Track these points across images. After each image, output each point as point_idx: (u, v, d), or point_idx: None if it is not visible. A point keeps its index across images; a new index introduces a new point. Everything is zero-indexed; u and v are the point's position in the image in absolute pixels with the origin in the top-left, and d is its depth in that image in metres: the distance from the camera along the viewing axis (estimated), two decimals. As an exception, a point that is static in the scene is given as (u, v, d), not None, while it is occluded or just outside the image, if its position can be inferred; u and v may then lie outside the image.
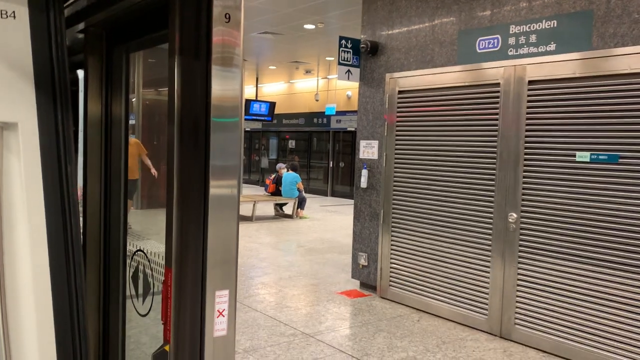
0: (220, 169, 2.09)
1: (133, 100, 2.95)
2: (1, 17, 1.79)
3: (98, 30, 2.81)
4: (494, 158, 5.01)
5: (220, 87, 2.14)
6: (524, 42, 4.81)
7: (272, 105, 16.85)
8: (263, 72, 19.10)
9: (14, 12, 1.81)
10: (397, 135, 5.98)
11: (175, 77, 2.13)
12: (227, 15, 2.28)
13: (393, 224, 6.00)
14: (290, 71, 18.33)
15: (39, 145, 1.85)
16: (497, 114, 4.98)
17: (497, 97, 4.98)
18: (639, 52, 4.03)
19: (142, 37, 2.80)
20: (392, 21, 6.14)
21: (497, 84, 4.98)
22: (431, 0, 5.69)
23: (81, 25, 2.64)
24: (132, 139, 7.81)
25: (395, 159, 5.99)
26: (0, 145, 1.78)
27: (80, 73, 3.05)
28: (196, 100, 2.13)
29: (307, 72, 17.93)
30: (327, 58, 15.04)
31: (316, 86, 19.03)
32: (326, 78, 18.53)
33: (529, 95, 4.73)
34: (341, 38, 6.58)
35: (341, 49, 6.60)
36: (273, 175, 13.80)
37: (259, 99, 20.53)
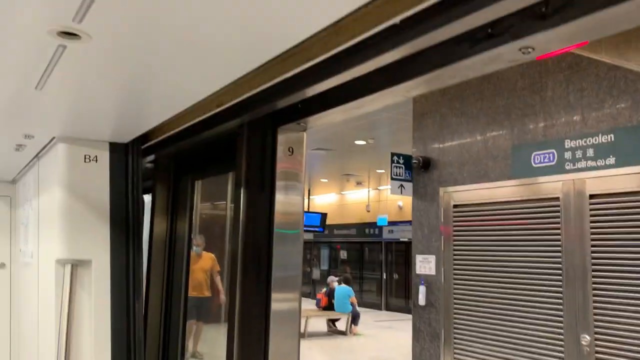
0: (281, 280, 2.09)
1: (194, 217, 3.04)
2: (85, 161, 1.95)
3: (167, 161, 2.98)
4: (559, 275, 4.78)
5: (282, 209, 2.20)
6: (581, 156, 4.77)
7: (323, 216, 17.01)
8: (315, 185, 19.54)
9: (96, 156, 1.97)
10: (454, 250, 5.85)
11: (241, 206, 2.21)
12: (291, 149, 2.38)
13: (455, 346, 5.69)
14: (341, 183, 18.67)
15: (110, 282, 1.90)
16: (558, 229, 4.83)
17: (558, 211, 4.86)
18: None
19: (207, 167, 2.95)
20: (443, 137, 6.25)
21: (557, 199, 4.88)
22: (481, 116, 5.80)
23: (151, 157, 2.81)
24: (207, 254, 7.82)
25: (454, 274, 5.81)
26: (74, 280, 1.84)
27: (147, 197, 3.20)
28: (259, 227, 2.18)
29: (358, 183, 18.22)
30: (378, 170, 15.31)
31: (367, 197, 19.20)
32: (377, 189, 18.73)
33: (591, 210, 4.59)
34: (393, 154, 6.72)
35: (393, 164, 6.71)
36: (325, 289, 13.60)
37: (310, 210, 20.82)
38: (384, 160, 13.03)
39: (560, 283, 4.76)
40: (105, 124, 1.69)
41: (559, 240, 4.80)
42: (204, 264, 7.63)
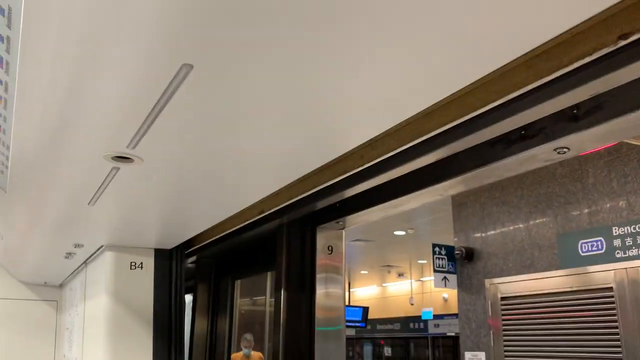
0: None
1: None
2: (131, 268, 2.00)
3: (208, 262, 3.02)
4: (621, 372, 4.45)
5: (323, 306, 2.17)
6: (631, 243, 4.59)
7: (365, 310, 16.57)
8: (355, 277, 19.22)
9: (142, 263, 2.03)
10: (505, 346, 5.55)
11: (282, 306, 2.19)
12: (330, 248, 2.39)
13: None
14: (382, 275, 18.32)
15: None
16: (615, 320, 4.56)
17: (613, 302, 4.61)
18: None
19: (247, 267, 2.97)
20: (485, 226, 6.15)
21: (610, 289, 4.65)
22: (523, 206, 5.71)
23: (193, 258, 2.86)
24: (257, 354, 7.35)
25: (506, 372, 5.48)
26: (117, 390, 1.84)
27: (188, 296, 3.22)
28: (300, 326, 2.14)
29: (400, 275, 17.83)
30: (420, 261, 15.01)
31: (410, 289, 18.69)
32: (420, 280, 18.25)
33: (649, 300, 4.34)
34: (434, 245, 6.61)
35: (435, 256, 6.59)
36: (370, 388, 12.95)
37: (351, 304, 20.33)
38: (425, 251, 12.79)
39: (624, 381, 4.42)
40: (151, 233, 1.76)
41: (617, 334, 4.52)
42: None
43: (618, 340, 4.50)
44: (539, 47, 0.78)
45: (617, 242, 4.69)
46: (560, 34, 0.76)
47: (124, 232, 1.75)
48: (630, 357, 4.40)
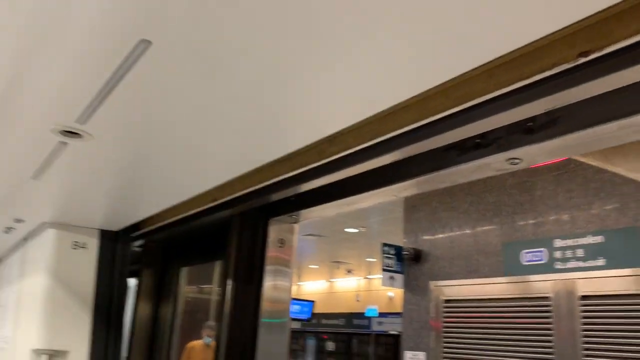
0: None
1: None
2: (73, 247, 1.94)
3: (155, 247, 2.96)
4: (552, 378, 4.63)
5: (270, 298, 2.16)
6: (570, 256, 4.78)
7: (312, 304, 16.65)
8: (304, 271, 19.28)
9: (85, 243, 1.96)
10: (444, 347, 5.69)
11: (228, 296, 2.17)
12: (282, 241, 2.38)
13: None
14: (331, 270, 18.45)
15: None
16: (550, 329, 4.74)
17: (549, 311, 4.79)
18: (696, 271, 3.91)
19: (196, 255, 2.92)
20: (434, 230, 6.27)
21: (547, 298, 4.82)
22: (472, 212, 5.85)
23: (139, 242, 2.80)
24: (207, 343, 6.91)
25: (444, 373, 5.61)
26: (48, 372, 1.78)
27: (132, 280, 3.14)
28: (246, 317, 2.13)
29: (348, 271, 18.00)
30: (368, 259, 15.19)
31: (357, 286, 18.90)
32: (367, 278, 18.48)
33: (582, 311, 4.53)
34: (384, 245, 6.70)
35: (384, 255, 6.68)
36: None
37: (299, 297, 20.38)
38: (374, 249, 12.96)
39: (553, 387, 4.60)
40: (97, 213, 1.70)
41: (550, 342, 4.70)
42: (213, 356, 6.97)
43: (552, 347, 4.67)
44: (500, 57, 0.79)
45: (557, 254, 4.87)
46: (523, 47, 0.77)
47: (68, 210, 1.69)
48: (561, 365, 4.58)
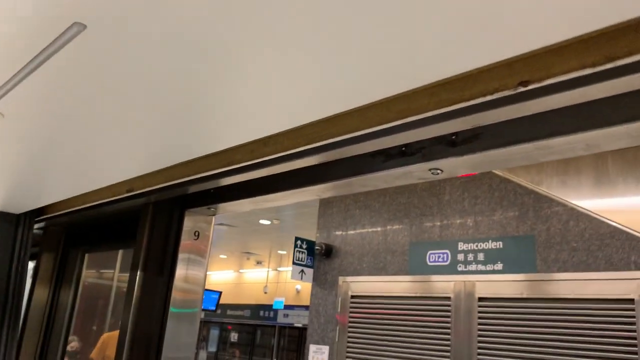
0: None
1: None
2: (-30, 231, 1.79)
3: (58, 230, 2.79)
4: (447, 374, 4.88)
5: (181, 288, 2.10)
6: (472, 259, 5.04)
7: (218, 294, 16.44)
8: (213, 260, 19.00)
9: (-15, 225, 1.81)
10: (348, 342, 5.82)
11: (136, 285, 2.09)
12: (197, 233, 2.32)
13: None
14: (240, 261, 18.32)
15: None
16: (449, 327, 4.98)
17: (449, 310, 5.03)
18: (580, 278, 4.26)
19: (101, 242, 2.79)
20: (346, 226, 6.39)
21: (448, 298, 5.07)
22: (384, 212, 6.02)
23: (41, 224, 2.62)
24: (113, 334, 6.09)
25: (346, 367, 5.75)
26: None
27: (30, 263, 2.95)
28: (154, 307, 2.06)
29: (258, 263, 17.96)
30: (279, 251, 15.24)
31: (266, 278, 18.91)
32: (277, 270, 18.54)
33: (479, 312, 4.80)
34: (297, 239, 6.73)
35: (296, 249, 6.71)
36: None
37: (205, 287, 20.01)
38: (286, 242, 13.03)
39: (448, 383, 4.84)
40: (-2, 193, 1.57)
41: (448, 340, 4.94)
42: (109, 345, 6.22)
43: (449, 345, 4.92)
44: (443, 79, 0.81)
45: (460, 257, 5.13)
46: (466, 71, 0.80)
47: (-36, 188, 1.55)
48: (456, 361, 4.83)
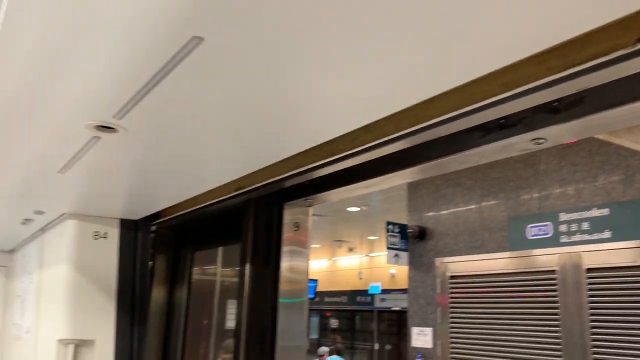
0: (286, 350, 2.05)
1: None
2: (94, 238, 1.94)
3: (168, 232, 2.97)
4: (559, 350, 4.70)
5: (288, 279, 2.18)
6: (576, 229, 4.80)
7: (315, 283, 16.77)
8: (306, 250, 19.33)
9: (106, 233, 1.97)
10: (450, 323, 5.75)
11: (246, 279, 2.19)
12: (297, 225, 2.39)
13: (453, 423, 5.49)
14: (332, 249, 18.53)
15: None
16: (556, 302, 4.79)
17: (555, 284, 4.83)
18: (702, 241, 3.94)
19: (208, 240, 2.94)
20: (438, 207, 6.29)
21: (553, 271, 4.87)
22: (477, 188, 5.87)
23: (154, 226, 2.81)
24: None
25: (451, 348, 5.69)
26: (75, 361, 1.79)
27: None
28: (265, 299, 2.16)
29: (350, 249, 18.09)
30: (370, 237, 15.25)
31: (359, 264, 19.01)
32: (369, 255, 18.58)
33: (589, 284, 4.58)
34: (388, 223, 6.72)
35: (389, 233, 6.71)
36: None
37: (301, 276, 20.40)
38: (376, 227, 13.01)
39: (560, 359, 4.67)
40: (119, 203, 1.70)
41: (557, 314, 4.75)
42: None
43: (558, 320, 4.73)
44: (552, 46, 0.78)
45: (563, 228, 4.90)
46: (578, 35, 0.76)
47: (90, 201, 1.69)
48: (567, 337, 4.64)
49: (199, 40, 0.73)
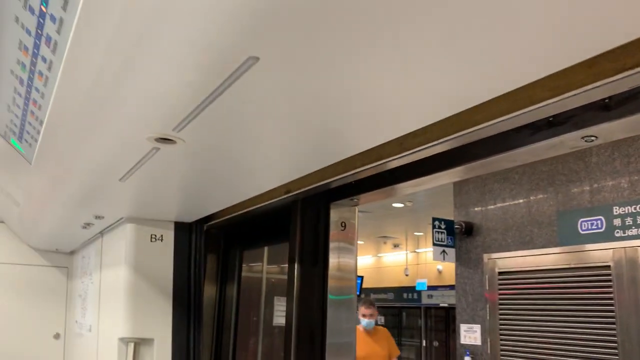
0: (336, 347, 2.08)
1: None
2: (151, 240, 2.03)
3: (217, 232, 3.05)
4: (614, 348, 4.56)
5: (336, 276, 2.21)
6: (631, 223, 4.65)
7: (360, 279, 16.78)
8: (351, 247, 19.34)
9: (162, 235, 2.06)
10: (500, 320, 5.66)
11: (295, 278, 2.23)
12: (343, 224, 2.42)
13: (505, 421, 5.41)
14: (378, 245, 18.48)
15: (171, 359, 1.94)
16: (611, 298, 4.65)
17: (610, 280, 4.69)
18: None
19: (257, 239, 3.00)
20: (485, 202, 6.20)
21: (608, 267, 4.72)
22: (525, 183, 5.75)
23: (203, 227, 2.89)
24: (381, 329, 5.47)
25: (501, 345, 5.60)
26: (136, 359, 1.88)
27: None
28: (314, 298, 2.20)
29: (395, 246, 18.00)
30: (416, 233, 15.14)
31: (405, 260, 18.89)
32: (415, 252, 18.44)
33: (646, 279, 4.42)
34: (434, 219, 6.67)
35: (435, 229, 6.65)
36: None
37: (347, 273, 20.43)
38: (422, 223, 12.90)
39: (617, 358, 4.53)
40: (174, 208, 1.78)
41: (612, 311, 4.61)
42: (379, 348, 4.93)
43: (613, 317, 4.59)
44: (604, 51, 0.78)
45: (617, 222, 4.75)
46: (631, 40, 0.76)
47: (147, 206, 1.77)
48: (624, 334, 4.50)
49: (254, 60, 0.77)
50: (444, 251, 6.63)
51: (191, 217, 1.93)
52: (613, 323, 4.60)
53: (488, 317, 5.80)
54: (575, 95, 0.91)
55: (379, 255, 20.84)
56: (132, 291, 1.87)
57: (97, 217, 1.99)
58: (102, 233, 2.46)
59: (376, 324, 4.94)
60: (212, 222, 2.13)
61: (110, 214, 1.94)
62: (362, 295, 18.14)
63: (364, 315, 4.84)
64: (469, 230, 6.29)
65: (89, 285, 2.59)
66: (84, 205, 1.83)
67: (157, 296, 1.85)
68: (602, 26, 0.75)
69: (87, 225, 2.20)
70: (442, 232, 6.65)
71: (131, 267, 1.91)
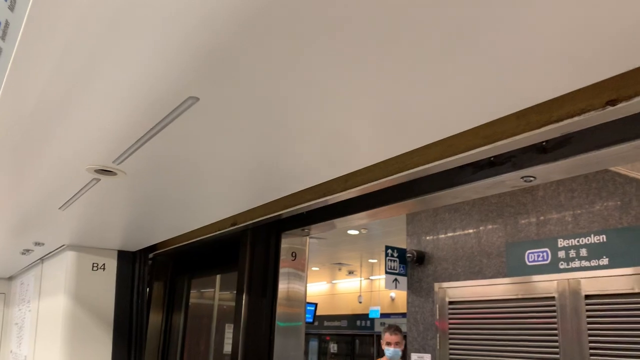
0: None
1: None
2: (92, 269, 1.97)
3: (165, 260, 2.99)
4: (559, 378, 4.67)
5: (285, 303, 2.20)
6: (574, 255, 4.81)
7: (314, 306, 16.66)
8: (306, 273, 19.24)
9: (104, 264, 2.00)
10: (450, 349, 5.72)
11: (242, 310, 2.21)
12: (294, 254, 2.41)
13: None
14: (333, 272, 18.46)
15: None
16: (556, 329, 4.78)
17: (554, 311, 4.83)
18: (699, 268, 3.95)
19: (205, 268, 2.96)
20: (437, 231, 6.31)
21: (552, 298, 4.86)
22: (475, 213, 5.89)
23: (149, 255, 2.83)
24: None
25: (451, 375, 5.65)
26: (72, 393, 1.80)
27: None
28: (261, 325, 2.17)
29: (350, 272, 18.02)
30: (370, 260, 15.22)
31: (359, 287, 18.91)
32: (369, 279, 18.50)
33: (587, 310, 4.57)
34: (387, 247, 6.72)
35: (387, 257, 6.70)
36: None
37: (301, 299, 20.26)
38: (376, 250, 12.98)
39: (561, 387, 4.64)
40: (117, 237, 1.73)
41: (557, 341, 4.73)
42: None
43: (557, 347, 4.71)
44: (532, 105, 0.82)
45: (561, 254, 4.91)
46: (552, 98, 0.81)
47: (89, 234, 1.72)
48: (567, 364, 4.61)
49: (194, 99, 0.77)
50: (396, 279, 6.68)
51: (136, 245, 1.89)
52: (557, 353, 4.71)
53: (438, 347, 5.84)
54: (505, 143, 0.95)
55: (333, 282, 20.80)
56: (71, 321, 1.80)
57: (37, 244, 1.92)
58: (42, 260, 2.37)
59: (403, 355, 4.29)
60: (159, 250, 2.08)
61: (51, 241, 1.88)
62: (316, 323, 18.02)
63: (388, 344, 4.31)
64: (421, 258, 6.37)
65: (27, 314, 2.48)
66: (22, 231, 1.76)
67: (97, 327, 1.78)
68: (530, 82, 0.80)
69: (26, 251, 2.11)
70: (394, 260, 6.71)
71: (71, 296, 1.85)
